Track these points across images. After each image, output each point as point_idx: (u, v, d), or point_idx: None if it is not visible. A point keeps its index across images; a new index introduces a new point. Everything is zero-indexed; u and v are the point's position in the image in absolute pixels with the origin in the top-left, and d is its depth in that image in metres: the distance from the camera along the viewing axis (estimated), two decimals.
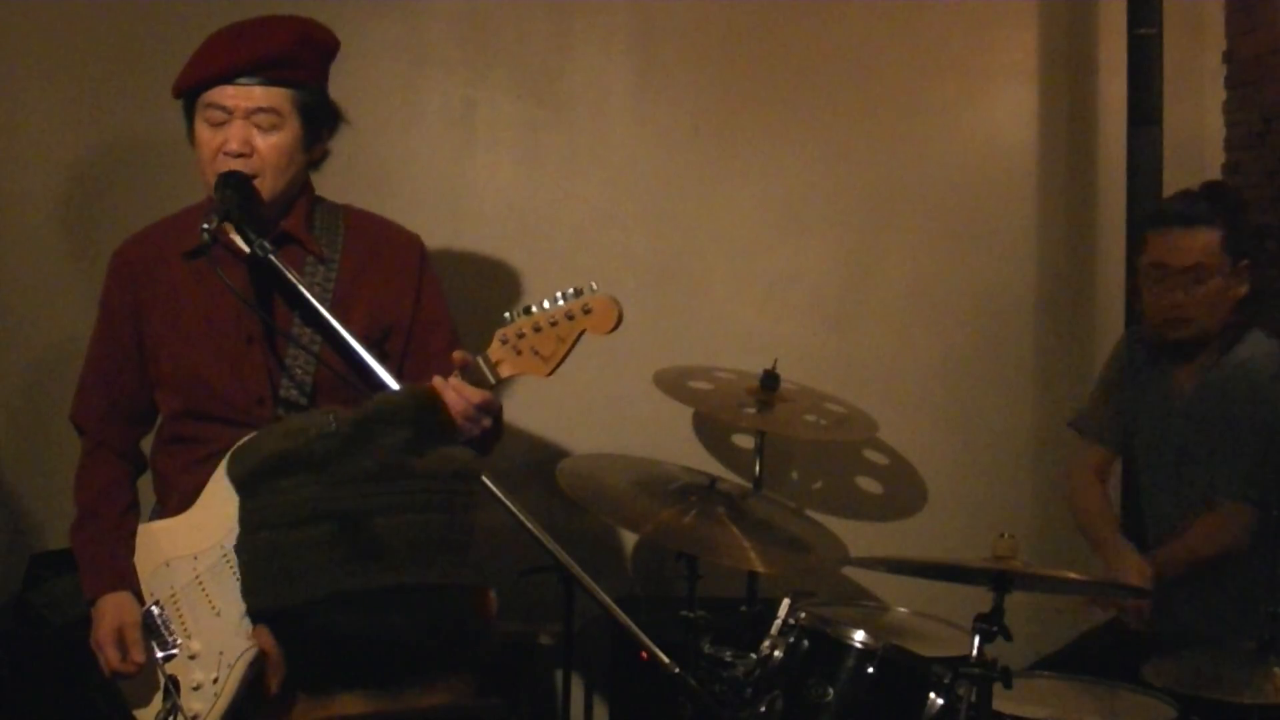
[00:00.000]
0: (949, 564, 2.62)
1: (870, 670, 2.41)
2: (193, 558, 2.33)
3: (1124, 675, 2.68)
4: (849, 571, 3.70)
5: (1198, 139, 3.82)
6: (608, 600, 2.28)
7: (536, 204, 3.74)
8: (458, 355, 2.25)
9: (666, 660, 2.23)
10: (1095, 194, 3.83)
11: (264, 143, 2.33)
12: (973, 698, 2.30)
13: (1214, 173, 3.82)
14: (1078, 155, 3.84)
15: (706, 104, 3.77)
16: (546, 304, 2.20)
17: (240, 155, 2.32)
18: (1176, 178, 3.65)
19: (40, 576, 3.30)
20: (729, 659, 2.50)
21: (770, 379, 3.28)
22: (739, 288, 3.80)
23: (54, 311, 3.58)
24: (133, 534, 2.43)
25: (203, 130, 2.35)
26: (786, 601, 2.53)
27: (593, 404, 3.68)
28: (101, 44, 3.59)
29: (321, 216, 2.49)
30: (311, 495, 1.23)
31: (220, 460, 2.33)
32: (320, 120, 2.42)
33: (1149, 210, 3.32)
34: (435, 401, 1.30)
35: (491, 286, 3.70)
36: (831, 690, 2.39)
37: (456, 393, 2.19)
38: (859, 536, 3.52)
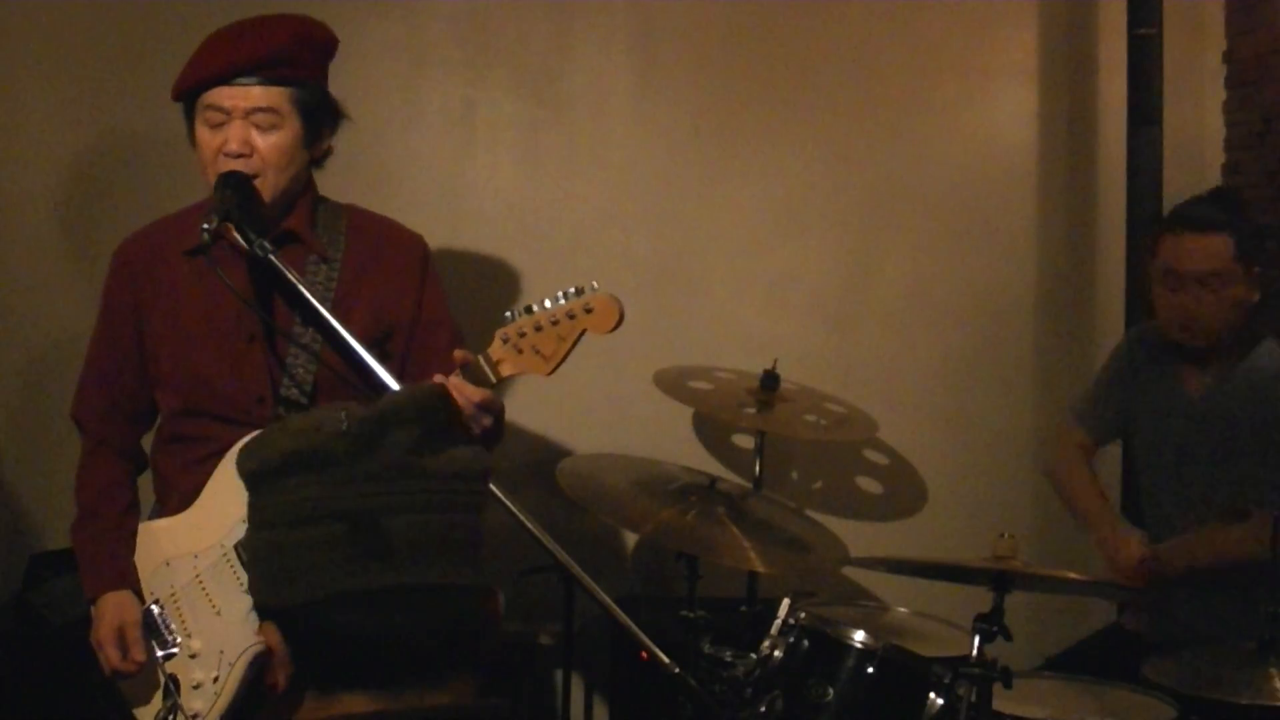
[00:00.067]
0: (949, 564, 2.62)
1: (870, 670, 2.41)
2: (193, 556, 2.33)
3: (1124, 676, 2.68)
4: (849, 571, 3.70)
5: (1198, 139, 3.82)
6: (608, 600, 2.28)
7: (536, 204, 3.74)
8: (458, 354, 2.25)
9: (666, 660, 2.23)
10: (1095, 194, 3.83)
11: (264, 142, 2.33)
12: (973, 698, 2.30)
13: (1214, 173, 3.82)
14: (1078, 155, 3.84)
15: (706, 104, 3.77)
16: (548, 303, 2.20)
17: (240, 156, 2.32)
18: (1176, 178, 3.66)
19: (40, 576, 3.30)
20: (729, 659, 2.50)
21: (770, 379, 3.28)
22: (739, 288, 3.80)
23: (54, 311, 3.58)
24: (133, 534, 2.43)
25: (202, 132, 2.35)
26: (786, 601, 2.53)
27: (593, 404, 3.68)
28: (101, 44, 3.59)
29: (324, 216, 2.49)
30: (321, 494, 1.23)
31: (220, 459, 2.33)
32: (320, 118, 2.41)
33: (1163, 214, 3.32)
34: (446, 400, 1.30)
35: (491, 286, 3.71)
36: (831, 690, 2.39)
37: (457, 391, 2.19)
38: (859, 536, 3.52)
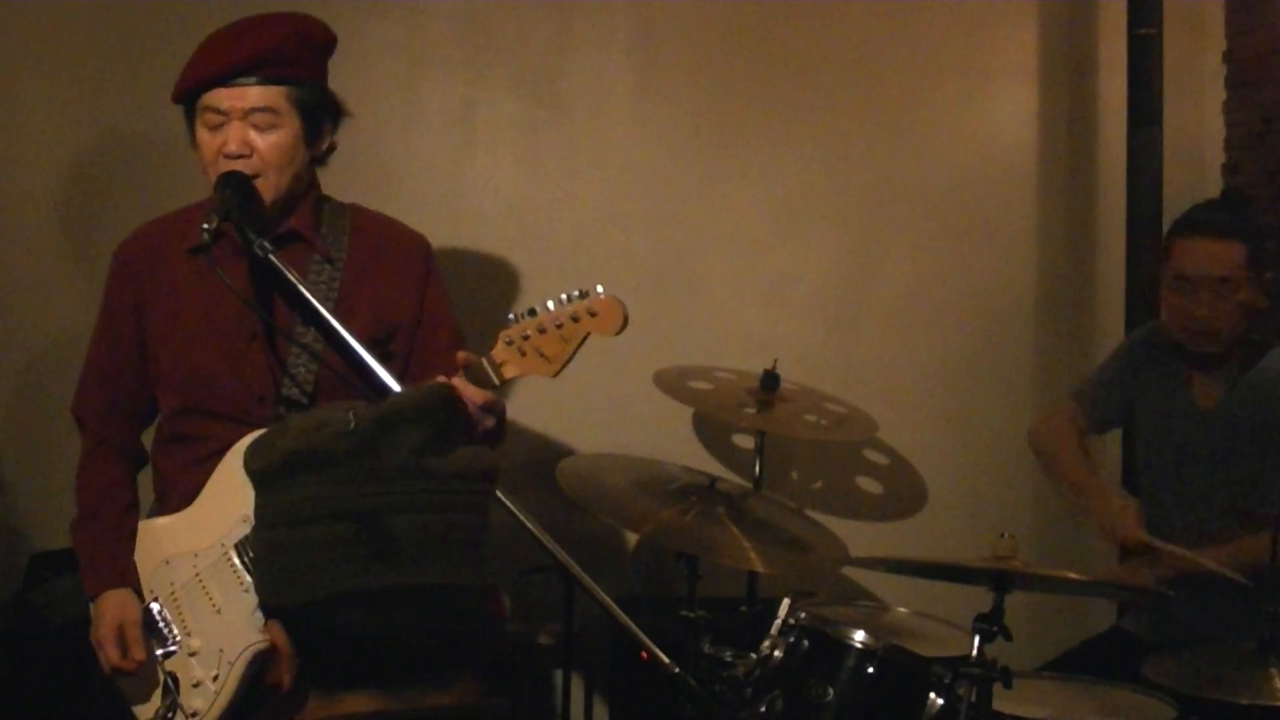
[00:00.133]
0: (949, 564, 2.62)
1: (870, 670, 2.41)
2: (193, 555, 2.33)
3: (1124, 677, 2.68)
4: (849, 571, 3.70)
5: (1198, 139, 3.82)
6: (608, 600, 2.28)
7: (536, 204, 3.74)
8: (461, 355, 2.25)
9: (666, 660, 2.22)
10: (1095, 194, 3.83)
11: (263, 142, 2.33)
12: (973, 698, 2.30)
13: (1214, 173, 3.82)
14: (1078, 155, 3.84)
15: (706, 104, 3.76)
16: (551, 305, 2.20)
17: (240, 157, 2.32)
18: (1176, 178, 3.66)
19: (40, 576, 3.31)
20: (729, 659, 2.50)
21: (770, 379, 3.28)
22: (739, 288, 3.80)
23: (54, 311, 3.58)
24: (133, 533, 2.43)
25: (202, 134, 2.35)
26: (786, 601, 2.53)
27: (593, 404, 3.68)
28: (101, 44, 3.59)
29: (328, 215, 2.49)
30: (327, 493, 1.23)
31: (220, 459, 2.33)
32: (320, 115, 2.40)
33: (1162, 214, 3.32)
34: (453, 400, 1.30)
35: (491, 286, 3.71)
36: (831, 690, 2.39)
37: (460, 392, 2.19)
38: (859, 536, 3.52)
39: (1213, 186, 3.83)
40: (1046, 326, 3.86)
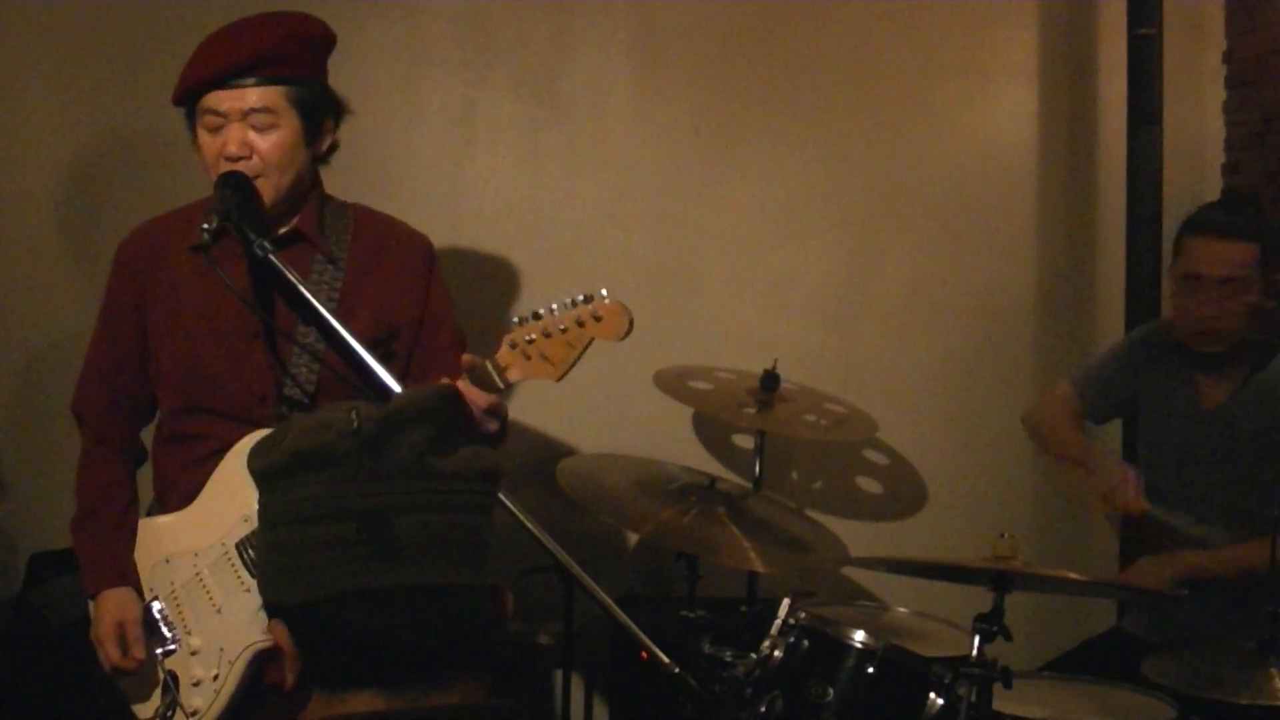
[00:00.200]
0: (949, 564, 2.61)
1: (870, 670, 2.41)
2: (194, 554, 2.33)
3: (1124, 677, 2.68)
4: (849, 571, 3.70)
5: (1198, 139, 3.82)
6: (608, 600, 2.28)
7: (536, 204, 3.74)
8: (466, 358, 2.25)
9: (666, 660, 2.22)
10: (1095, 194, 3.83)
11: (263, 143, 2.32)
12: (973, 698, 2.29)
13: (1214, 173, 3.83)
14: (1078, 155, 3.84)
15: (706, 104, 3.77)
16: (556, 309, 2.19)
17: (240, 158, 2.31)
18: (1176, 178, 3.66)
19: (40, 576, 3.31)
20: (729, 659, 2.50)
21: (770, 379, 3.28)
22: (739, 288, 3.80)
23: (54, 311, 3.58)
24: (133, 532, 2.43)
25: (203, 136, 2.35)
26: (786, 601, 2.52)
27: (593, 404, 3.67)
28: (101, 44, 3.59)
29: (330, 215, 2.48)
30: (329, 493, 1.23)
31: (221, 458, 2.33)
32: (321, 114, 2.40)
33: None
34: (456, 399, 1.30)
35: (491, 286, 3.71)
36: (831, 690, 2.39)
37: (464, 395, 2.19)
38: (859, 536, 3.52)
39: (1213, 186, 3.83)
40: (1046, 326, 3.86)
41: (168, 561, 2.36)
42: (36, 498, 3.58)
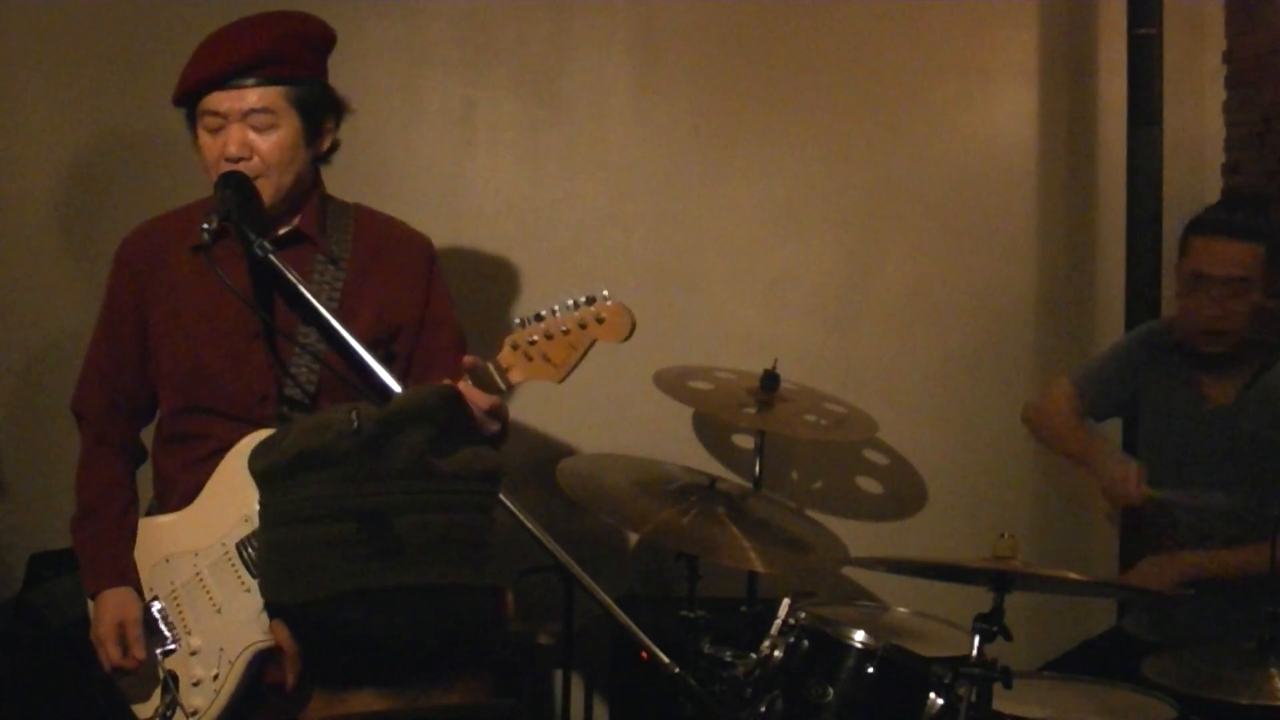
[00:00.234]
0: (949, 564, 2.61)
1: (870, 670, 2.40)
2: (194, 554, 2.33)
3: (1124, 677, 2.68)
4: (849, 571, 3.70)
5: (1198, 139, 3.82)
6: (608, 600, 2.28)
7: (536, 204, 3.74)
8: (468, 360, 2.25)
9: (666, 660, 2.22)
10: (1095, 194, 3.83)
11: (263, 143, 2.32)
12: (973, 698, 2.29)
13: (1214, 173, 3.83)
14: (1078, 155, 3.84)
15: (706, 104, 3.77)
16: (558, 310, 2.19)
17: (240, 159, 2.31)
18: (1176, 178, 3.66)
19: (40, 576, 3.31)
20: (729, 659, 2.50)
21: (770, 379, 3.28)
22: (739, 288, 3.80)
23: (54, 311, 3.58)
24: (133, 531, 2.43)
25: (204, 138, 2.35)
26: (786, 601, 2.52)
27: (593, 404, 3.67)
28: (101, 44, 3.59)
29: (332, 215, 2.48)
30: (331, 492, 1.23)
31: (221, 458, 2.33)
32: (321, 113, 2.39)
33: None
34: (456, 399, 1.30)
35: (491, 286, 3.71)
36: (831, 690, 2.39)
37: (466, 397, 2.18)
38: (859, 536, 3.52)
39: (1213, 186, 3.83)
40: (1046, 326, 3.86)
41: (168, 561, 2.36)
42: (36, 498, 3.58)
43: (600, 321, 2.17)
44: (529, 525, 2.26)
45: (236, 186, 2.29)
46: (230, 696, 2.26)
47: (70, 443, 2.55)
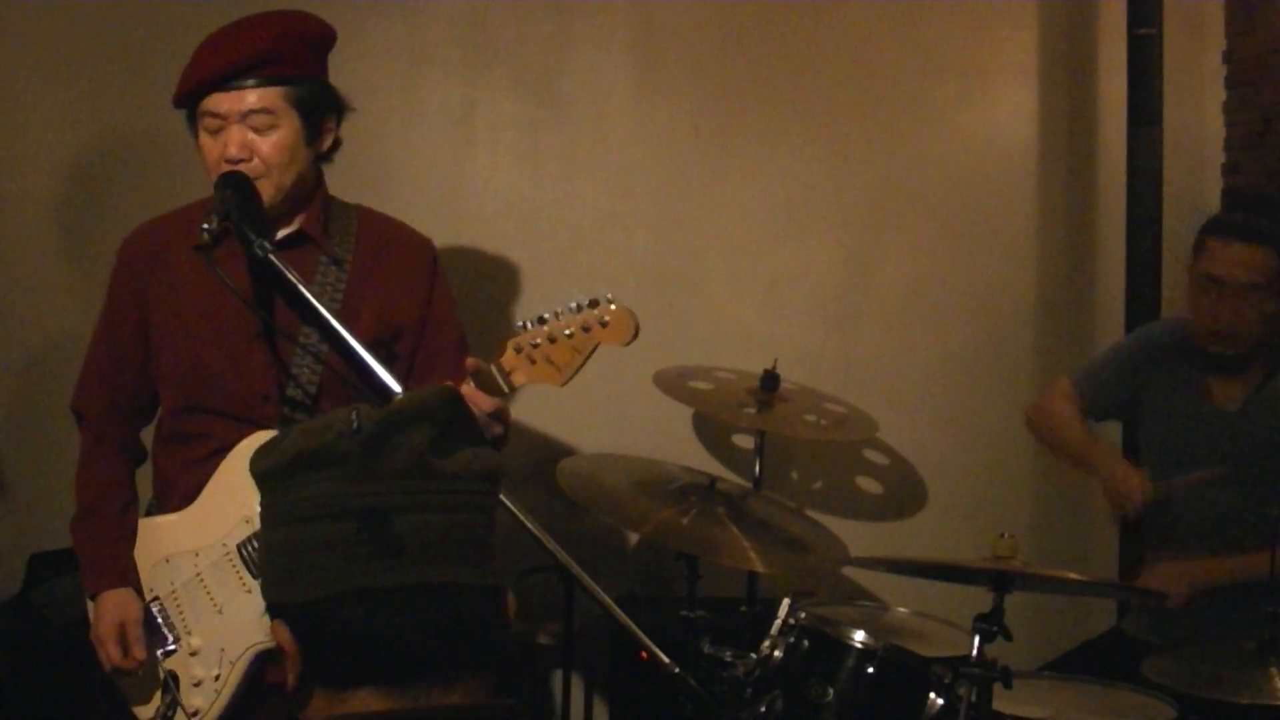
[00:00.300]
0: (949, 564, 2.62)
1: (870, 670, 2.41)
2: (194, 554, 2.33)
3: (1124, 677, 2.68)
4: (849, 571, 3.70)
5: (1198, 139, 3.82)
6: (608, 600, 2.28)
7: (536, 204, 3.74)
8: (471, 362, 2.25)
9: (666, 660, 2.22)
10: (1095, 194, 3.83)
11: (263, 144, 2.32)
12: (973, 698, 2.29)
13: (1214, 172, 3.83)
14: (1078, 155, 3.84)
15: (706, 104, 3.77)
16: (561, 313, 2.19)
17: (241, 160, 2.31)
18: (1176, 178, 3.66)
19: (40, 576, 3.31)
20: (729, 659, 2.50)
21: (770, 379, 3.28)
22: (739, 288, 3.80)
23: (54, 311, 3.58)
24: (133, 531, 2.43)
25: (204, 139, 2.35)
26: (786, 601, 2.52)
27: (593, 404, 3.67)
28: (101, 44, 3.59)
29: (335, 217, 2.48)
30: (332, 492, 1.23)
31: (222, 458, 2.33)
32: (321, 112, 2.39)
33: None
34: (456, 400, 1.30)
35: (491, 286, 3.70)
36: (831, 690, 2.39)
37: (470, 400, 2.19)
38: (859, 536, 3.51)
39: (1213, 186, 3.83)
40: (1046, 326, 3.86)
41: (168, 561, 2.36)
42: (36, 498, 3.58)
43: (604, 325, 2.17)
44: (529, 525, 2.26)
45: (236, 186, 2.29)
46: (231, 697, 2.26)
47: (70, 443, 2.55)
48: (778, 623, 2.49)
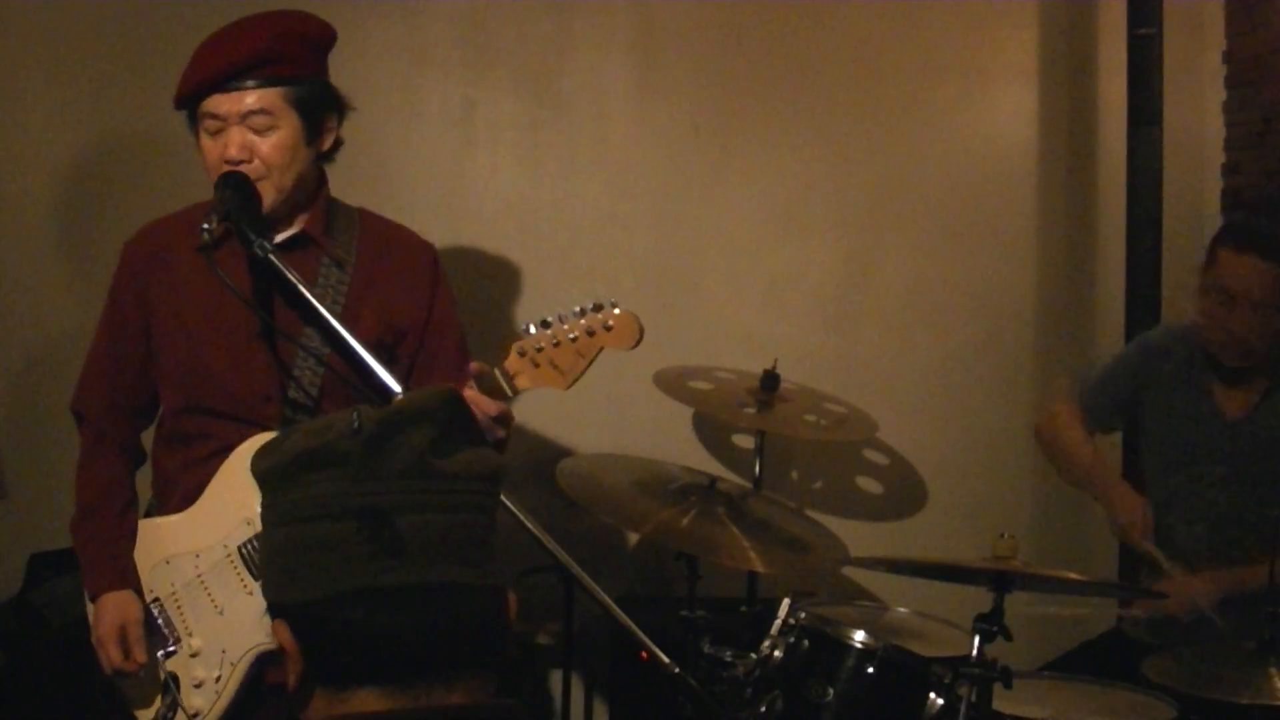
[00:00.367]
0: (949, 564, 2.62)
1: (870, 670, 2.41)
2: (194, 555, 2.33)
3: (1124, 677, 2.67)
4: (849, 571, 3.70)
5: (1198, 139, 3.82)
6: (608, 600, 2.28)
7: (536, 204, 3.74)
8: (475, 365, 2.25)
9: (666, 660, 2.22)
10: (1095, 194, 3.83)
11: (263, 145, 2.31)
12: (973, 698, 2.29)
13: (1214, 172, 3.83)
14: (1078, 155, 3.84)
15: (706, 104, 3.77)
16: (565, 317, 2.19)
17: (241, 161, 2.31)
18: (1176, 178, 3.67)
19: (40, 576, 3.31)
20: (729, 659, 2.50)
21: (770, 379, 3.28)
22: (739, 288, 3.80)
23: (54, 311, 3.58)
24: (133, 531, 2.43)
25: (205, 140, 2.34)
26: (786, 601, 2.52)
27: (593, 404, 3.67)
28: (101, 44, 3.59)
29: (337, 218, 2.48)
30: (333, 491, 1.23)
31: (223, 459, 2.33)
32: (321, 112, 2.38)
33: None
34: (457, 401, 1.30)
35: (491, 286, 3.71)
36: (831, 690, 2.39)
37: (473, 404, 2.19)
38: (859, 536, 3.51)
39: (1213, 187, 3.83)
40: (1046, 326, 3.86)
41: (168, 562, 2.36)
42: (36, 498, 3.57)
43: (609, 329, 2.17)
44: (529, 525, 2.26)
45: (236, 187, 2.29)
46: (232, 698, 2.26)
47: (70, 443, 2.55)
48: (778, 623, 2.49)
